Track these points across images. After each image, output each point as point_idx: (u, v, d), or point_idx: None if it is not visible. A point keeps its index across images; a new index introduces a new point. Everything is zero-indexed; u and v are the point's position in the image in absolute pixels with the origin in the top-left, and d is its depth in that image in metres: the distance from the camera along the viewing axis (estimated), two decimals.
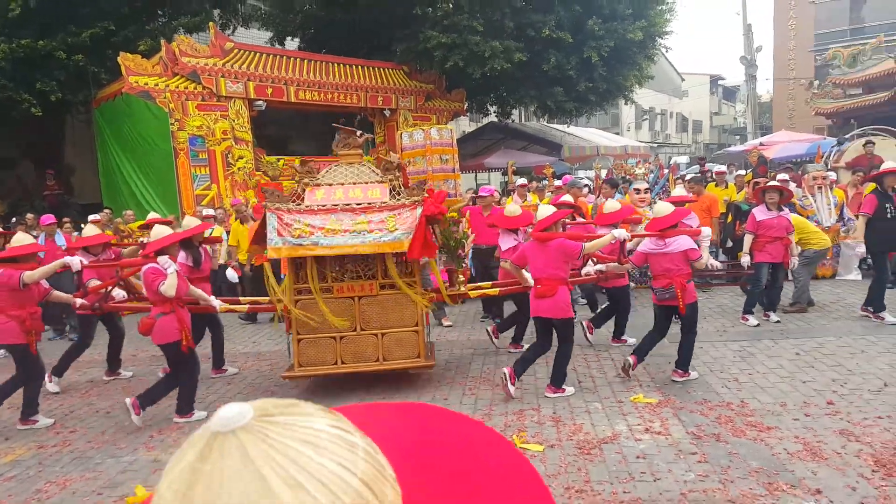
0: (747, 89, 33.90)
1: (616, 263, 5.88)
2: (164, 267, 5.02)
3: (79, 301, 5.81)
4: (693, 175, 11.72)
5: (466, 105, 16.43)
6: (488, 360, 6.47)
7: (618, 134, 30.25)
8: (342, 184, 5.51)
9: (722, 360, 6.00)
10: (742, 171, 11.83)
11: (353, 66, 14.15)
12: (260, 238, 5.59)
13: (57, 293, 5.69)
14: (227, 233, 10.17)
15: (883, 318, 6.96)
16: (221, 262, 10.13)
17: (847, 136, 18.67)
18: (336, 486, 0.49)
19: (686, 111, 45.14)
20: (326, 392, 5.74)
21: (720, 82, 49.42)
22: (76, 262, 5.57)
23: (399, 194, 5.46)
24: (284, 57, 13.58)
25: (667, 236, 5.38)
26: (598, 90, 15.84)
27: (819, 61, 31.49)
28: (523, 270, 5.72)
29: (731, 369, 5.72)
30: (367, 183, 5.53)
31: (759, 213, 7.23)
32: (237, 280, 9.65)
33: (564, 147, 17.65)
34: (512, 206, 6.93)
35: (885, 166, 7.52)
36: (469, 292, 6.30)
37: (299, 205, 5.33)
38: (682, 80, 43.58)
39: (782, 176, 10.60)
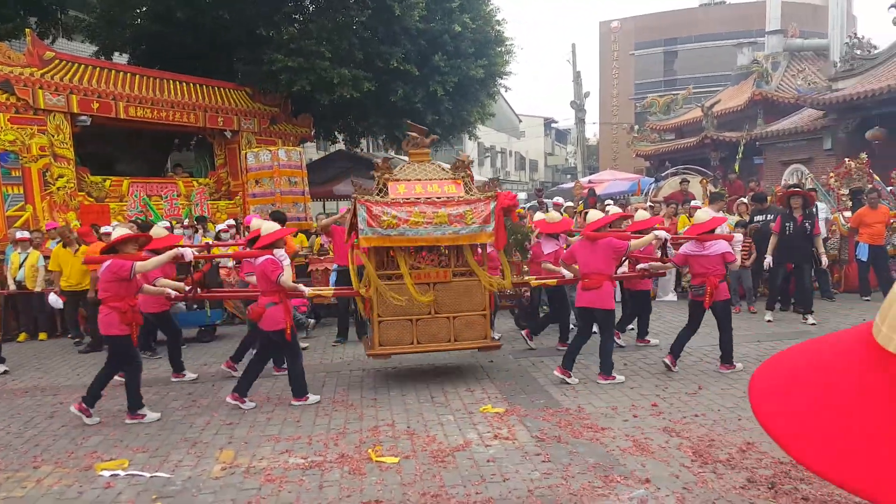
0: (577, 132, 37.18)
1: (658, 263, 6.54)
2: (280, 259, 5.37)
3: (174, 293, 5.93)
4: (532, 205, 12.51)
5: (314, 131, 16.23)
6: (341, 382, 6.34)
7: None
8: (419, 179, 5.97)
9: None
10: (570, 203, 12.89)
11: (191, 84, 13.42)
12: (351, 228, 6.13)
13: (148, 287, 5.70)
14: (46, 257, 9.12)
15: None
16: (39, 288, 9.05)
17: (663, 175, 21.14)
18: None
19: (523, 151, 48.35)
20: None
21: (553, 125, 53.64)
22: (189, 253, 5.67)
23: (470, 190, 5.97)
24: (113, 70, 12.54)
25: (705, 240, 5.97)
26: (444, 124, 16.44)
27: (639, 108, 35.47)
28: (560, 267, 6.54)
29: (569, 379, 6.11)
30: (441, 179, 6.01)
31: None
32: (61, 306, 8.75)
33: None
34: (553, 214, 7.66)
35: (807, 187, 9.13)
36: (531, 282, 6.88)
37: (384, 197, 5.72)
38: (520, 121, 46.77)
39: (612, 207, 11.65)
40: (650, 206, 11.58)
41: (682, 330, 6.33)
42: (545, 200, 14.71)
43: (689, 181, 14.59)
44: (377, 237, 5.66)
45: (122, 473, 4.22)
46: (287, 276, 5.39)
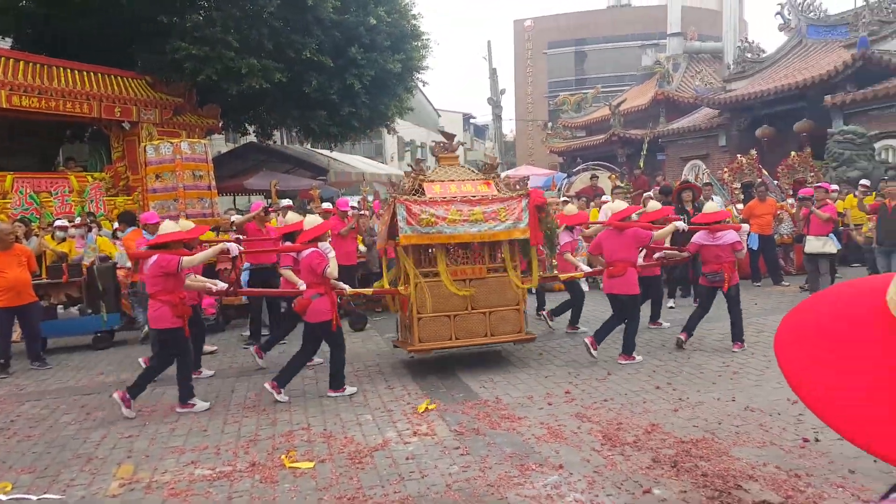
0: (494, 128, 37.66)
1: (675, 251, 7.17)
2: (325, 251, 5.44)
3: (214, 287, 5.86)
4: None
5: (222, 123, 15.57)
6: (253, 386, 6.08)
7: (382, 163, 31.33)
8: (452, 180, 6.20)
9: (479, 366, 6.46)
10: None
11: (84, 72, 12.52)
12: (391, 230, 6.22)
13: (190, 282, 5.62)
14: None
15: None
16: None
17: (574, 171, 21.84)
18: None
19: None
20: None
21: (472, 120, 54.13)
22: (235, 247, 5.64)
23: (500, 189, 6.24)
24: None
25: (715, 230, 6.45)
26: (361, 117, 16.21)
27: (552, 106, 36.45)
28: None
29: (487, 371, 6.19)
30: (473, 180, 6.27)
31: None
32: None
33: (330, 172, 17.68)
34: (570, 207, 8.23)
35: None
36: (560, 276, 7.19)
37: (421, 197, 5.94)
38: (439, 116, 46.89)
39: None
40: (564, 200, 11.85)
41: (695, 311, 6.77)
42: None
43: (598, 176, 15.10)
44: (417, 235, 5.86)
45: (3, 498, 3.86)
46: (333, 268, 5.47)
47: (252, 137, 18.73)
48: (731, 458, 3.89)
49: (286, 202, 9.96)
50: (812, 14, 18.64)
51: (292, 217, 6.73)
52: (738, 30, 23.92)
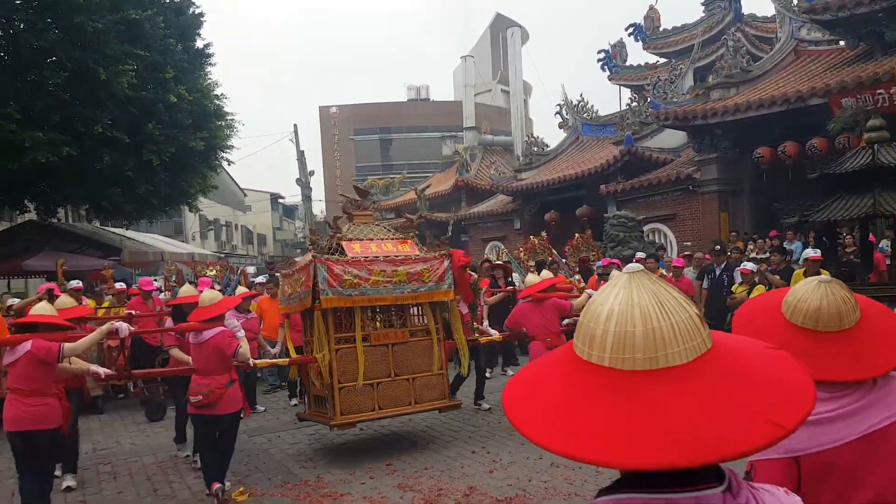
0: (304, 208, 37.61)
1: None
2: (234, 330, 4.89)
3: (102, 371, 4.85)
4: (267, 277, 12.13)
5: None
6: None
7: (183, 241, 29.46)
8: (371, 239, 5.96)
9: (297, 445, 6.32)
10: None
11: None
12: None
13: (66, 366, 4.59)
14: None
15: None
16: None
17: None
18: (686, 305, 0.93)
19: (251, 224, 47.15)
20: None
21: (280, 200, 53.53)
22: (125, 327, 4.84)
23: (421, 248, 6.09)
24: None
25: (540, 298, 6.44)
26: (160, 194, 15.32)
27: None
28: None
29: (307, 451, 6.08)
30: (393, 239, 6.05)
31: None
32: None
33: (125, 251, 16.25)
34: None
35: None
36: (480, 339, 6.85)
37: (342, 256, 5.59)
38: (245, 195, 45.71)
39: None
40: None
41: None
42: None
43: None
44: (339, 297, 5.45)
45: None
46: (247, 348, 4.92)
47: (32, 215, 16.69)
48: None
49: (75, 283, 8.99)
50: (586, 115, 21.85)
51: (187, 290, 6.08)
52: (525, 126, 27.19)
